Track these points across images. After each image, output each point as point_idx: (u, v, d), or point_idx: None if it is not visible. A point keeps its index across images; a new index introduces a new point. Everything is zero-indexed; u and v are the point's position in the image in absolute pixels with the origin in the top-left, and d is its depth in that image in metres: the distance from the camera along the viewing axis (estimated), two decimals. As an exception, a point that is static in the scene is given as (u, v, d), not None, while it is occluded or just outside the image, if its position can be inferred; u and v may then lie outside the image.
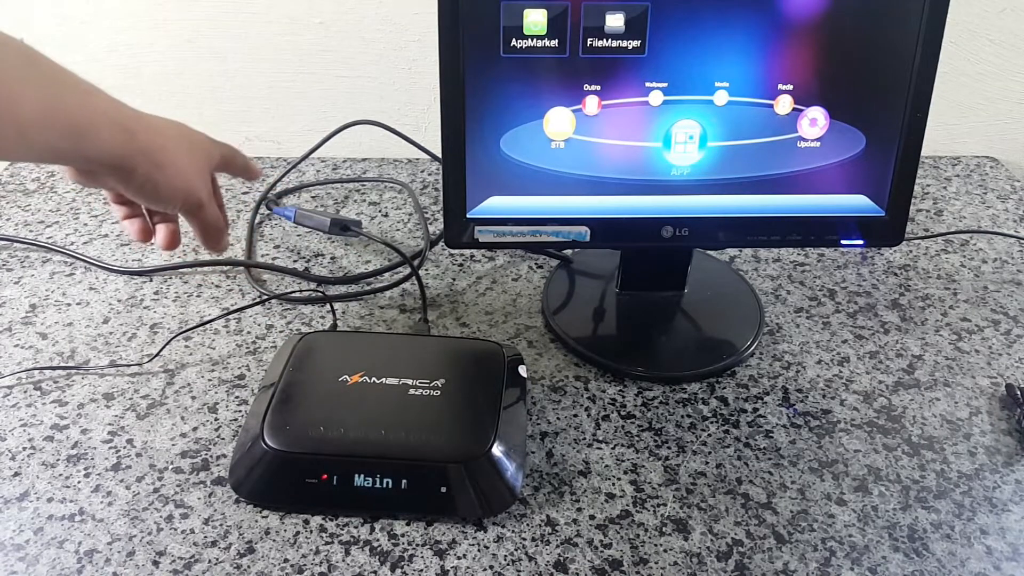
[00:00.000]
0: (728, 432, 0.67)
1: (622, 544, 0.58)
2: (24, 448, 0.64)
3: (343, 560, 0.57)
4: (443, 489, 0.58)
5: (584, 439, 0.66)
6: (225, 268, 0.85)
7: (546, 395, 0.70)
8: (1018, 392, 0.70)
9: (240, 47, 1.01)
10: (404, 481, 0.58)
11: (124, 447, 0.65)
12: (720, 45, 0.65)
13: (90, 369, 0.72)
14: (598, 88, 0.66)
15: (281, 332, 0.76)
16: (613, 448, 0.65)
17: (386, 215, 0.95)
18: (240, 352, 0.74)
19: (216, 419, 0.67)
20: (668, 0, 0.63)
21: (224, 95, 1.04)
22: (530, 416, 0.68)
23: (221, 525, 0.59)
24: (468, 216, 0.70)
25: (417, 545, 0.58)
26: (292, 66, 1.03)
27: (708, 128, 0.68)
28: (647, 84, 0.66)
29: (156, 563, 0.56)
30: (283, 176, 0.99)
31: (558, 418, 0.68)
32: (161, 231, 0.64)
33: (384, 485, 0.58)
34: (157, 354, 0.73)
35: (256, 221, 0.92)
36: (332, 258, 0.87)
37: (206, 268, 0.84)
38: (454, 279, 0.84)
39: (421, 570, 0.56)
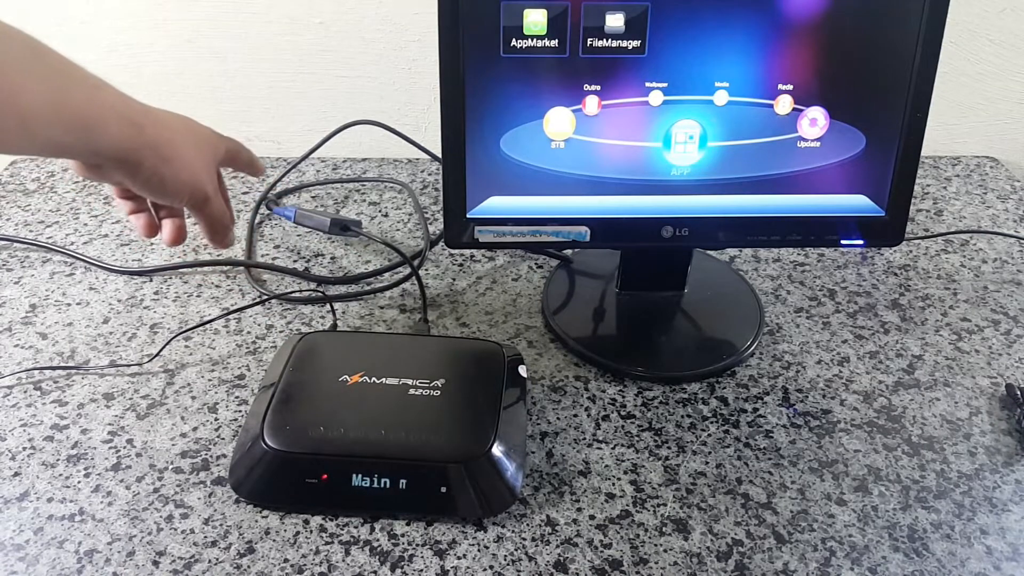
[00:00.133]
0: (728, 432, 0.67)
1: (622, 544, 0.58)
2: (24, 448, 0.64)
3: (343, 560, 0.57)
4: (443, 489, 0.58)
5: (584, 439, 0.66)
6: (225, 268, 0.85)
7: (546, 395, 0.70)
8: (1018, 392, 0.70)
9: (240, 47, 1.01)
10: (404, 481, 0.58)
11: (124, 447, 0.65)
12: (720, 45, 0.65)
13: (90, 369, 0.72)
14: (598, 88, 0.66)
15: (281, 332, 0.76)
16: (613, 448, 0.65)
17: (386, 215, 0.95)
18: (240, 352, 0.74)
19: (216, 419, 0.67)
20: (668, 0, 0.63)
21: (224, 95, 1.04)
22: (530, 416, 0.68)
23: (221, 525, 0.59)
24: (468, 216, 0.70)
25: (417, 545, 0.58)
26: (292, 66, 1.03)
27: (708, 128, 0.68)
28: (647, 84, 0.66)
29: (156, 563, 0.56)
30: (283, 176, 0.99)
31: (558, 418, 0.68)
32: (167, 226, 0.64)
33: (384, 485, 0.58)
34: (157, 354, 0.73)
35: (256, 221, 0.92)
36: (332, 258, 0.87)
37: (206, 268, 0.84)
38: (454, 279, 0.84)
39: (421, 570, 0.56)
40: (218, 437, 0.66)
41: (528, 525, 0.59)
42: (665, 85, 0.66)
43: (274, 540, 0.58)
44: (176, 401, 0.69)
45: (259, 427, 0.61)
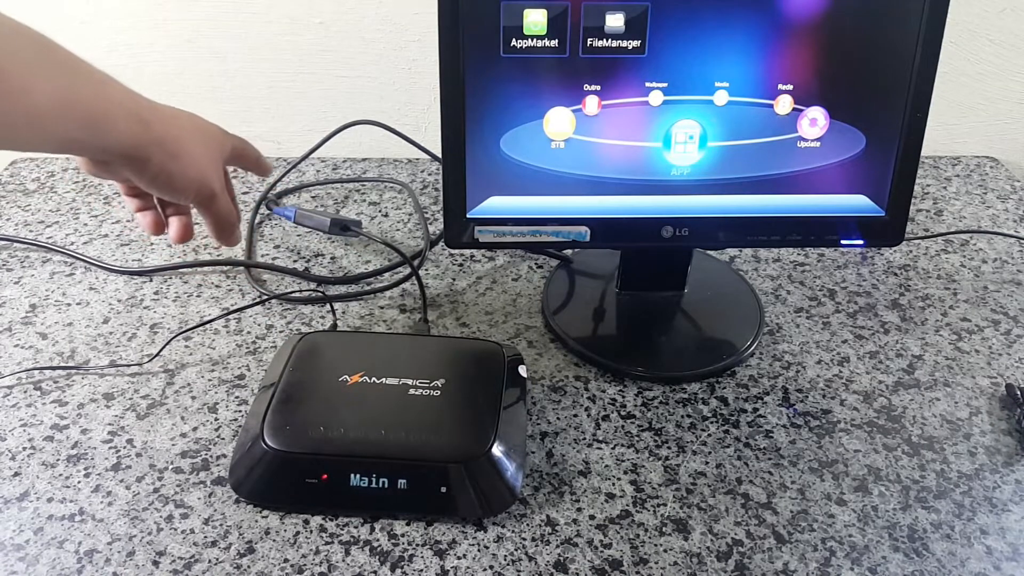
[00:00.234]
0: (728, 432, 0.67)
1: (622, 544, 0.58)
2: (24, 448, 0.64)
3: (343, 560, 0.57)
4: (443, 489, 0.58)
5: (584, 439, 0.66)
6: (225, 268, 0.85)
7: (546, 395, 0.70)
8: (1018, 392, 0.70)
9: (240, 47, 1.01)
10: (404, 481, 0.58)
11: (124, 447, 0.65)
12: (720, 45, 0.65)
13: (90, 369, 0.72)
14: (598, 88, 0.66)
15: (281, 332, 0.76)
16: (613, 448, 0.65)
17: (386, 215, 0.95)
18: (240, 352, 0.74)
19: (216, 419, 0.67)
20: (668, 0, 0.63)
21: (224, 95, 1.04)
22: (530, 416, 0.68)
23: (221, 525, 0.59)
24: (468, 216, 0.70)
25: (417, 545, 0.58)
26: (292, 66, 1.03)
27: (708, 128, 0.68)
28: (647, 84, 0.66)
29: (156, 563, 0.56)
30: (283, 176, 0.99)
31: (558, 418, 0.68)
32: (174, 224, 0.64)
33: (384, 485, 0.58)
34: (157, 354, 0.73)
35: (256, 221, 0.92)
36: (332, 258, 0.87)
37: (206, 268, 0.84)
38: (454, 279, 0.84)
39: (421, 570, 0.56)
40: (218, 437, 0.66)
41: (528, 525, 0.59)
42: (665, 85, 0.66)
43: (274, 540, 0.58)
44: (176, 401, 0.69)
45: (259, 427, 0.61)
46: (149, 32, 1.00)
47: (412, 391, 0.63)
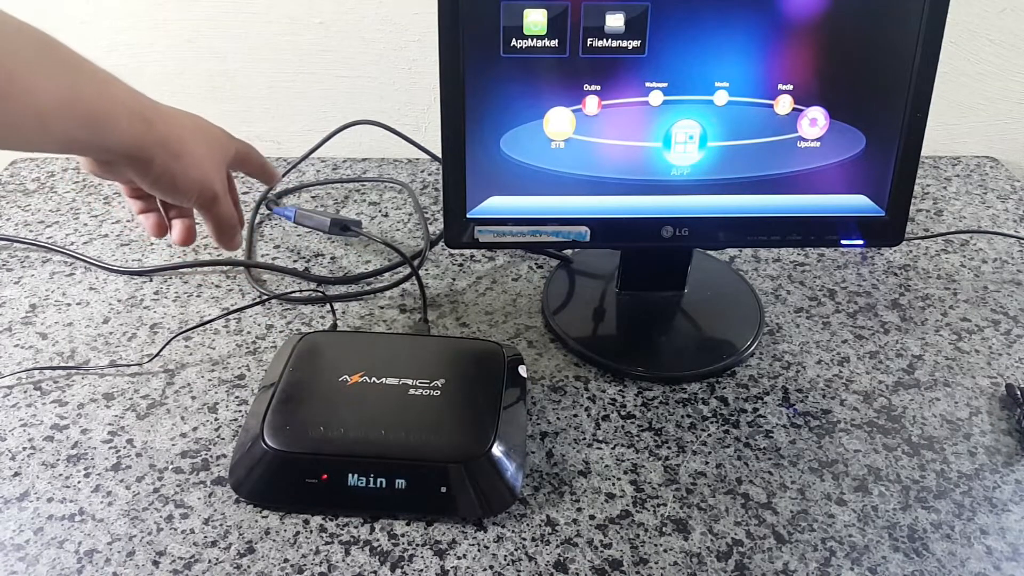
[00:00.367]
0: (728, 432, 0.67)
1: (622, 544, 0.58)
2: (24, 448, 0.64)
3: (343, 560, 0.57)
4: (443, 489, 0.58)
5: (584, 439, 0.66)
6: (225, 268, 0.85)
7: (546, 395, 0.70)
8: (1018, 392, 0.70)
9: (240, 47, 1.01)
10: (404, 481, 0.58)
11: (124, 447, 0.65)
12: (720, 45, 0.65)
13: (90, 369, 0.72)
14: (598, 88, 0.66)
15: (281, 332, 0.76)
16: (613, 448, 0.65)
17: (386, 215, 0.95)
18: (240, 352, 0.74)
19: (216, 419, 0.67)
20: (668, 0, 0.63)
21: (224, 95, 1.04)
22: (530, 416, 0.68)
23: (221, 525, 0.59)
24: (468, 216, 0.70)
25: (417, 545, 0.58)
26: (292, 66, 1.03)
27: (708, 128, 0.68)
28: (647, 84, 0.66)
29: (156, 563, 0.56)
30: (283, 176, 0.99)
31: (558, 418, 0.68)
32: (176, 226, 0.64)
33: (384, 485, 0.58)
34: (157, 354, 0.73)
35: (256, 221, 0.92)
36: (332, 258, 0.87)
37: (206, 268, 0.84)
38: (454, 279, 0.84)
39: (421, 570, 0.56)
40: (218, 437, 0.66)
41: (528, 525, 0.59)
42: (665, 85, 0.66)
43: (274, 540, 0.58)
44: (176, 401, 0.69)
45: (259, 427, 0.61)
46: (149, 32, 1.00)
47: (412, 391, 0.63)
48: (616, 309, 0.79)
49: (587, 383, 0.72)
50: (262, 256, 0.87)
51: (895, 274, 0.86)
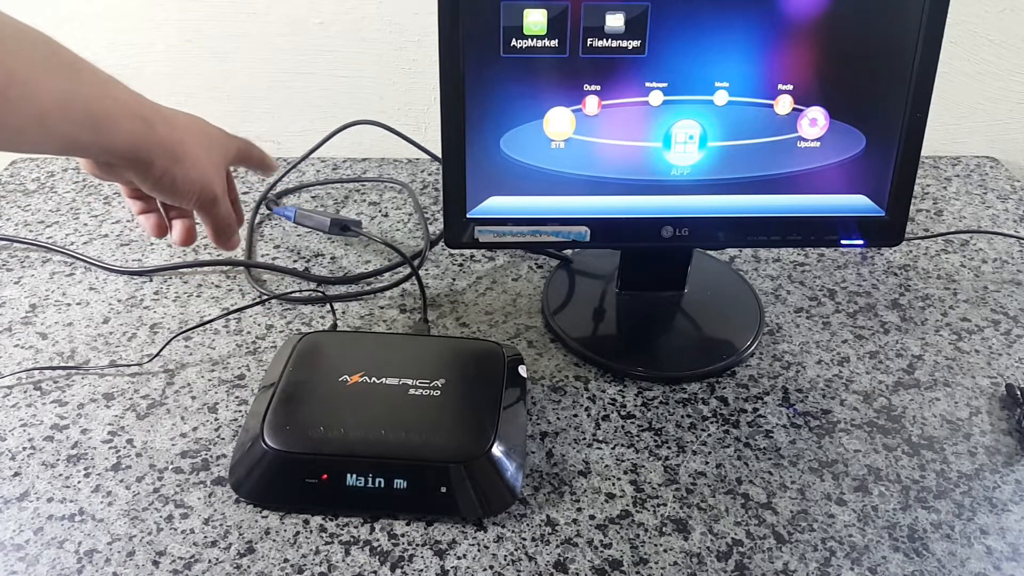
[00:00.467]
0: (728, 432, 0.67)
1: (622, 544, 0.58)
2: (24, 448, 0.64)
3: (343, 560, 0.57)
4: (443, 489, 0.58)
5: (584, 439, 0.66)
6: (225, 268, 0.85)
7: (546, 395, 0.70)
8: (1018, 392, 0.70)
9: (240, 47, 1.01)
10: (404, 481, 0.58)
11: (124, 447, 0.65)
12: (720, 45, 0.65)
13: (90, 369, 0.72)
14: (598, 88, 0.66)
15: (281, 332, 0.76)
16: (613, 448, 0.65)
17: (386, 215, 0.95)
18: (240, 352, 0.74)
19: (216, 419, 0.67)
20: (668, 0, 0.63)
21: (224, 95, 1.04)
22: (530, 416, 0.68)
23: (221, 525, 0.59)
24: (468, 216, 0.70)
25: (417, 545, 0.58)
26: (292, 66, 1.03)
27: (708, 128, 0.68)
28: (647, 84, 0.66)
29: (156, 563, 0.56)
30: (283, 176, 0.99)
31: (558, 418, 0.68)
32: (177, 227, 0.64)
33: (384, 485, 0.58)
34: (157, 354, 0.73)
35: (256, 221, 0.92)
36: (332, 258, 0.87)
37: (206, 268, 0.84)
38: (454, 279, 0.84)
39: (421, 570, 0.56)
40: (218, 437, 0.66)
41: (528, 525, 0.59)
42: (665, 85, 0.66)
43: (274, 540, 0.58)
44: (176, 401, 0.69)
45: (259, 427, 0.61)
46: (149, 32, 1.00)
47: (412, 391, 0.63)
48: (616, 309, 0.79)
49: (587, 383, 0.72)
50: (262, 256, 0.87)
51: (895, 274, 0.86)
